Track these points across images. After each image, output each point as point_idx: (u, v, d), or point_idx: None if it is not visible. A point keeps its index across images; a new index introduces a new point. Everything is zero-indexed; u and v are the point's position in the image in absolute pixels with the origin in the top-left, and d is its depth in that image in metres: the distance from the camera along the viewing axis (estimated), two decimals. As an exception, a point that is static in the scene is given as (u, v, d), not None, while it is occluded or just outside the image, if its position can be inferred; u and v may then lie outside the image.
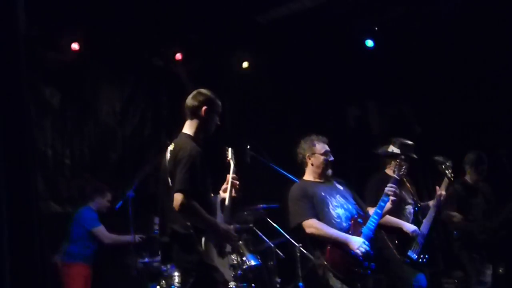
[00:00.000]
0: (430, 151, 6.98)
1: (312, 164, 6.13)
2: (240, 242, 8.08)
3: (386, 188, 6.07)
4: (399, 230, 6.67)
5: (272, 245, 8.19)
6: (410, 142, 6.99)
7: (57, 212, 8.76)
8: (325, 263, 5.75)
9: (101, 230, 8.14)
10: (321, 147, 6.15)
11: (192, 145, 5.15)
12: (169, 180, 5.12)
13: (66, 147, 9.00)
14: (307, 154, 6.15)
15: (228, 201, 5.38)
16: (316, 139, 6.20)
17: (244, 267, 7.85)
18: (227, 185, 5.51)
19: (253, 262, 7.95)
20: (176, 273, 7.09)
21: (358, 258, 5.69)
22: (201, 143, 5.28)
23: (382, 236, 6.66)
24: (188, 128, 5.32)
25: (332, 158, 6.15)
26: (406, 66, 10.46)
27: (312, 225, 5.79)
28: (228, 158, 5.70)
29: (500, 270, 9.09)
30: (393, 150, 6.88)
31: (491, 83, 9.88)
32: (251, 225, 8.31)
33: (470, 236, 7.53)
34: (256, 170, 8.47)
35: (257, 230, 8.31)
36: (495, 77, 9.78)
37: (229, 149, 5.78)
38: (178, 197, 4.87)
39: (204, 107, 5.30)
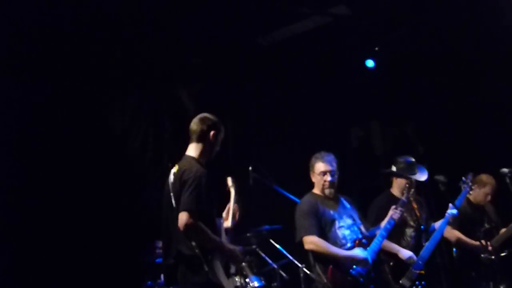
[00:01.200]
0: (433, 171, 6.94)
1: (314, 182, 6.14)
2: (244, 264, 8.05)
3: (392, 212, 6.06)
4: (395, 256, 6.62)
5: (276, 267, 8.16)
6: (412, 160, 6.96)
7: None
8: (325, 281, 5.73)
9: None
10: (319, 166, 6.17)
11: (197, 166, 5.22)
12: (173, 202, 5.14)
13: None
14: (311, 171, 6.17)
15: (231, 225, 5.39)
16: (317, 157, 6.22)
17: (248, 288, 7.83)
18: (227, 214, 5.52)
19: (256, 284, 7.91)
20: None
21: (359, 280, 5.68)
22: (204, 166, 5.28)
23: (381, 259, 6.63)
24: (193, 151, 5.39)
25: (330, 179, 6.13)
26: (408, 86, 10.47)
27: (312, 242, 5.80)
28: (228, 186, 5.70)
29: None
30: (392, 169, 6.88)
31: (494, 103, 9.87)
32: (254, 246, 8.28)
33: (471, 255, 7.49)
34: (259, 192, 8.45)
35: (260, 252, 8.28)
36: (498, 96, 9.77)
37: (229, 178, 5.78)
38: (183, 217, 4.91)
39: (213, 132, 5.39)
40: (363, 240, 5.98)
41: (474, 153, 10.18)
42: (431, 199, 7.56)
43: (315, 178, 6.18)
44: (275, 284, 8.23)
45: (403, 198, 6.25)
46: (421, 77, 10.20)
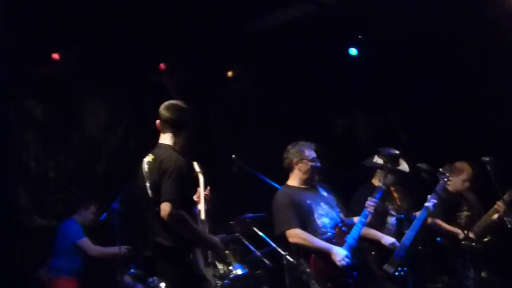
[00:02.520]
0: (416, 159, 6.97)
1: (299, 170, 6.12)
2: (227, 251, 8.06)
3: (367, 203, 6.08)
4: (378, 243, 6.65)
5: (259, 254, 8.18)
6: (396, 152, 6.96)
7: (41, 226, 8.70)
8: (309, 270, 5.75)
9: (86, 242, 8.09)
10: (309, 153, 6.17)
11: (176, 155, 5.12)
12: (150, 192, 5.06)
13: (50, 160, 8.95)
14: (295, 160, 6.15)
15: (204, 214, 5.32)
16: (304, 145, 6.21)
17: (231, 276, 7.84)
18: (198, 199, 5.43)
19: (240, 272, 7.93)
20: (162, 285, 7.04)
21: (341, 268, 5.69)
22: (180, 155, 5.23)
23: (365, 248, 6.65)
24: (168, 139, 5.26)
25: (319, 165, 6.16)
26: (392, 75, 10.48)
27: (296, 235, 5.80)
28: (196, 172, 5.58)
29: (483, 274, 9.11)
30: (377, 161, 6.87)
31: (477, 91, 9.90)
32: (237, 234, 8.30)
33: (454, 242, 7.53)
34: (242, 180, 8.46)
35: (244, 240, 8.29)
36: (482, 85, 9.81)
37: (195, 163, 5.65)
38: (166, 207, 4.82)
39: (185, 119, 5.28)
40: (343, 228, 5.99)
41: (457, 141, 10.22)
42: (414, 188, 7.62)
43: (304, 166, 6.15)
44: (259, 272, 8.24)
45: (381, 184, 6.26)
46: (405, 65, 10.21)
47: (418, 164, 6.70)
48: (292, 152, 6.23)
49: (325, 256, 5.73)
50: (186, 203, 4.99)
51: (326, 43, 10.04)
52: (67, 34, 8.71)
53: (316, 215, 5.96)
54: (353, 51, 10.25)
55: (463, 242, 7.14)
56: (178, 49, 9.92)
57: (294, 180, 6.21)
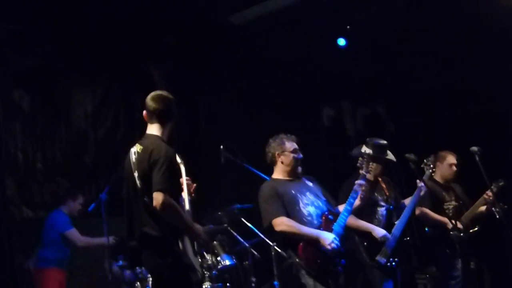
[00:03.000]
0: (404, 149, 6.98)
1: (282, 162, 6.15)
2: (215, 242, 8.07)
3: (356, 182, 6.09)
4: (369, 235, 6.66)
5: (247, 245, 8.18)
6: (383, 142, 6.97)
7: (29, 217, 8.70)
8: (297, 260, 5.76)
9: (73, 233, 8.08)
10: (290, 145, 6.18)
11: (166, 145, 5.13)
12: (138, 182, 5.07)
13: (37, 150, 8.93)
14: (277, 152, 6.16)
15: (188, 204, 5.32)
16: (285, 137, 6.22)
17: (219, 267, 7.85)
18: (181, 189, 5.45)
19: (228, 262, 7.94)
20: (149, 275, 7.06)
21: (329, 255, 5.71)
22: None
23: (354, 238, 6.67)
24: (156, 130, 5.26)
25: (301, 156, 6.17)
26: (380, 65, 10.49)
27: (282, 223, 5.81)
28: (177, 164, 5.57)
29: (471, 265, 9.16)
30: (365, 151, 6.87)
31: (464, 82, 9.93)
32: (225, 225, 8.30)
33: (442, 233, 7.56)
34: (230, 171, 8.47)
35: (232, 231, 8.30)
36: (469, 75, 9.83)
37: (176, 154, 5.66)
38: (158, 197, 4.83)
39: (173, 110, 5.30)
40: (329, 216, 6.00)
41: (444, 132, 10.26)
42: (401, 178, 7.63)
43: (286, 158, 6.16)
44: (247, 262, 8.26)
45: (363, 171, 6.27)
46: (393, 56, 10.23)
47: (406, 155, 6.70)
48: (273, 145, 6.24)
49: (313, 243, 5.74)
50: (175, 193, 5.01)
51: (314, 33, 10.03)
52: (54, 25, 8.68)
53: (301, 205, 5.98)
54: (341, 42, 10.23)
55: (451, 232, 7.17)
56: (166, 40, 9.90)
57: (278, 173, 6.22)
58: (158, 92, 5.40)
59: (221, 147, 7.99)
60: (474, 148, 6.96)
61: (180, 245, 4.98)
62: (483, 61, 9.38)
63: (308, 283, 5.76)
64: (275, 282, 7.64)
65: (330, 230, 5.88)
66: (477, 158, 6.93)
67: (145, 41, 9.68)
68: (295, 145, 6.19)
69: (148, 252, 5.05)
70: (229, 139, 8.25)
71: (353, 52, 10.34)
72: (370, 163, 6.36)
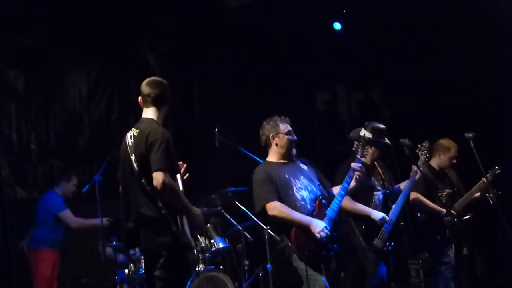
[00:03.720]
0: (398, 135, 6.99)
1: (276, 144, 6.12)
2: (209, 225, 8.09)
3: (352, 164, 6.09)
4: (367, 218, 6.67)
5: (241, 228, 8.20)
6: (382, 127, 6.97)
7: (23, 197, 8.69)
8: (290, 244, 5.78)
9: (67, 214, 8.08)
10: (284, 127, 6.16)
11: (161, 128, 5.22)
12: (135, 165, 5.16)
13: (31, 131, 8.92)
14: (271, 135, 6.14)
15: (181, 185, 5.40)
16: (279, 119, 6.21)
17: (213, 250, 7.88)
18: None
19: (221, 245, 7.97)
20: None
21: (321, 241, 5.72)
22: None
23: (349, 222, 6.68)
24: (151, 113, 5.37)
25: (295, 138, 6.17)
26: (375, 50, 10.49)
27: (275, 208, 5.80)
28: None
29: (464, 251, 9.19)
30: (364, 134, 6.87)
31: (460, 67, 9.95)
32: (219, 208, 8.32)
33: (434, 219, 7.58)
34: (225, 154, 8.49)
35: (225, 213, 8.32)
36: (464, 61, 9.85)
37: None
38: (159, 176, 4.91)
39: (167, 95, 5.39)
40: (323, 201, 6.00)
41: (439, 118, 10.28)
42: (395, 162, 7.63)
43: (281, 140, 6.15)
44: (240, 245, 8.28)
45: (358, 155, 6.27)
46: (388, 41, 10.23)
47: (400, 140, 6.70)
48: (267, 128, 6.22)
49: (305, 229, 5.75)
50: (174, 174, 5.10)
51: (309, 17, 10.01)
52: (49, 6, 8.65)
53: (295, 189, 5.96)
54: (337, 26, 10.22)
55: (444, 218, 7.18)
56: (161, 23, 9.87)
57: (272, 156, 6.20)
58: (153, 77, 5.51)
59: (216, 130, 7.99)
60: (469, 134, 6.96)
61: (179, 224, 5.04)
62: (478, 47, 9.40)
63: (299, 266, 5.77)
64: (268, 265, 7.68)
65: (323, 214, 5.88)
66: (471, 144, 6.93)
67: (140, 23, 9.66)
68: (289, 127, 6.18)
69: (145, 233, 5.12)
70: (224, 122, 8.26)
71: (348, 37, 10.34)
72: (366, 147, 6.36)
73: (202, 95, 10.52)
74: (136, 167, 5.15)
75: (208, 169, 9.79)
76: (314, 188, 6.05)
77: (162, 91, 5.37)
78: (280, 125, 6.17)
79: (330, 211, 5.91)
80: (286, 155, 6.15)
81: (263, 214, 5.95)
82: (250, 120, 10.00)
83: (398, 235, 6.98)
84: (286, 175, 6.00)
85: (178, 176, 5.31)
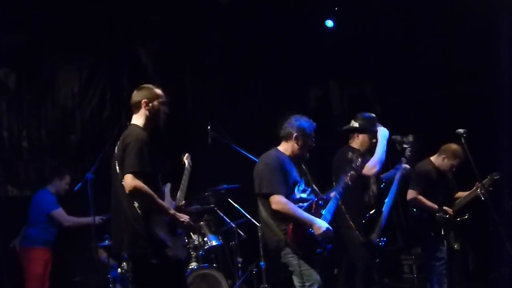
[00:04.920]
0: (391, 131, 6.99)
1: (296, 144, 6.11)
2: (202, 222, 8.09)
3: (344, 179, 6.11)
4: (365, 212, 6.72)
5: (234, 226, 8.21)
6: (372, 115, 7.00)
7: (15, 196, 8.65)
8: (283, 237, 5.77)
9: (60, 213, 8.06)
10: (310, 132, 6.16)
11: (139, 131, 5.30)
12: (117, 168, 5.25)
13: (23, 129, 8.87)
14: (296, 134, 6.11)
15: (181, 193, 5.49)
16: (309, 122, 6.20)
17: (206, 247, 7.88)
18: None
19: (214, 243, 7.97)
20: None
21: (317, 239, 5.73)
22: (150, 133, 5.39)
23: (345, 217, 6.67)
24: (136, 119, 5.48)
25: (314, 145, 6.18)
26: (367, 46, 10.49)
27: (280, 202, 5.78)
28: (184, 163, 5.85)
29: (456, 246, 9.21)
30: (353, 125, 6.92)
31: (451, 63, 9.95)
32: (212, 205, 8.31)
33: (428, 215, 7.58)
34: (218, 151, 8.47)
35: (218, 211, 8.32)
36: (456, 56, 9.86)
37: (187, 154, 5.93)
38: (127, 179, 5.01)
39: (145, 101, 5.45)
40: (320, 202, 6.02)
41: (431, 113, 10.30)
42: (388, 159, 7.60)
43: (304, 143, 6.13)
44: (233, 243, 8.29)
45: (354, 165, 6.28)
46: (380, 37, 10.23)
47: (393, 136, 6.71)
48: (295, 125, 6.18)
49: (305, 226, 5.76)
50: (149, 178, 5.11)
51: (302, 14, 10.01)
52: (41, 2, 8.62)
53: (299, 189, 5.99)
54: (329, 23, 10.22)
55: (437, 214, 7.19)
56: (153, 19, 9.85)
57: (286, 149, 6.17)
58: (142, 85, 5.64)
59: (208, 127, 7.98)
60: (460, 130, 6.95)
61: (151, 221, 5.09)
62: (470, 42, 9.40)
63: (291, 262, 5.78)
64: (262, 263, 7.68)
65: (319, 215, 5.90)
66: (463, 140, 6.92)
67: (132, 20, 9.63)
68: (313, 134, 6.19)
69: (127, 234, 5.12)
70: (216, 119, 8.25)
71: (340, 33, 10.34)
72: (360, 162, 6.39)
73: (195, 91, 10.50)
74: (118, 170, 5.23)
75: (201, 166, 9.77)
76: (310, 191, 6.09)
77: (138, 98, 5.47)
78: (308, 129, 6.16)
79: (326, 212, 5.93)
80: (299, 157, 6.16)
81: (263, 198, 5.91)
82: (243, 116, 10.08)
83: (391, 231, 7.00)
84: (295, 174, 6.02)
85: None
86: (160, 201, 5.19)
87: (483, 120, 9.28)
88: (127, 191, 4.99)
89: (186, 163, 6.23)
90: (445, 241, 7.52)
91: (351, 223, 6.63)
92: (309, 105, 11.73)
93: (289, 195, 5.88)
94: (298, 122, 6.19)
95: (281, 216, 5.84)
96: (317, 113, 11.39)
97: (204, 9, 9.77)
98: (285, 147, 6.18)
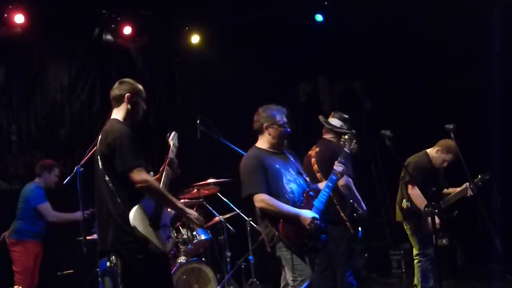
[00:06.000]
0: (380, 126, 7.00)
1: (269, 134, 6.08)
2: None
3: (336, 166, 6.11)
4: (353, 207, 6.78)
5: (223, 220, 8.21)
6: (348, 116, 7.09)
7: (4, 189, 8.66)
8: (277, 233, 5.76)
9: (46, 207, 8.03)
10: (280, 118, 6.10)
11: (120, 126, 5.24)
12: (100, 163, 5.20)
13: (12, 123, 8.88)
14: (266, 124, 6.08)
15: (164, 179, 5.44)
16: (276, 109, 6.14)
17: (195, 241, 7.88)
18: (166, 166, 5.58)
19: (203, 237, 7.98)
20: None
21: (310, 231, 5.71)
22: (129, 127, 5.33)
23: (337, 210, 6.69)
24: (116, 114, 5.42)
25: (289, 130, 6.14)
26: (357, 42, 10.51)
27: (263, 200, 5.76)
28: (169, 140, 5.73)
29: (444, 241, 9.25)
30: (336, 124, 6.99)
31: (441, 58, 9.99)
32: (201, 199, 8.31)
33: (416, 212, 7.60)
34: (207, 145, 8.47)
35: (207, 205, 8.31)
36: (446, 53, 9.89)
37: (173, 133, 5.82)
38: (134, 176, 4.99)
39: (128, 95, 5.38)
40: (310, 192, 6.00)
41: (420, 108, 10.33)
42: (377, 154, 7.69)
43: (275, 130, 6.11)
44: (222, 237, 8.29)
45: (346, 149, 6.28)
46: (370, 33, 10.25)
47: (382, 131, 6.71)
48: (263, 115, 6.16)
49: (293, 220, 5.74)
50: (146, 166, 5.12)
51: (291, 9, 10.01)
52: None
53: (284, 180, 5.93)
54: (319, 18, 10.23)
55: (425, 209, 7.19)
56: (143, 13, 9.84)
57: (263, 143, 6.14)
58: (123, 79, 5.57)
59: (198, 121, 7.98)
60: (450, 126, 6.95)
61: (132, 217, 5.03)
62: (461, 38, 9.43)
63: (284, 256, 5.76)
64: (251, 257, 7.69)
65: (311, 205, 5.86)
66: (452, 136, 6.93)
67: (122, 14, 9.62)
68: (285, 119, 6.13)
69: (112, 230, 5.12)
70: (206, 113, 8.24)
71: (330, 28, 10.35)
72: (354, 140, 6.41)
73: (184, 86, 10.51)
74: (100, 165, 5.20)
75: (190, 160, 9.78)
76: (302, 181, 6.04)
77: (119, 92, 5.42)
78: (277, 115, 6.10)
79: (317, 203, 5.90)
80: (277, 146, 6.10)
81: (248, 201, 5.91)
82: (232, 111, 10.08)
83: (379, 226, 7.04)
84: (277, 166, 5.96)
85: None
86: (169, 194, 5.20)
87: (474, 117, 9.32)
88: (137, 186, 4.97)
89: (171, 144, 5.90)
90: (433, 236, 7.55)
91: (344, 217, 6.67)
92: (298, 101, 11.74)
93: (275, 189, 5.86)
94: (265, 112, 6.15)
95: (268, 213, 5.84)
96: (306, 109, 11.44)
97: (194, 4, 9.77)
98: (262, 142, 6.15)
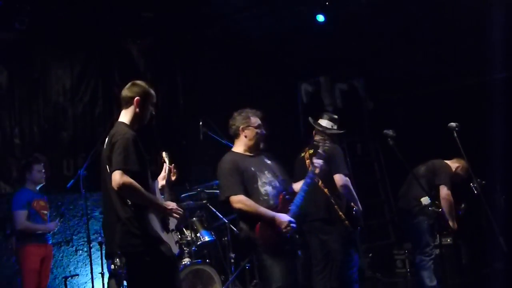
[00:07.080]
0: (382, 126, 7.00)
1: (245, 136, 6.11)
2: (194, 218, 8.10)
3: (315, 161, 6.13)
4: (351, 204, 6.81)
5: (226, 221, 8.21)
6: (336, 116, 7.12)
7: (7, 192, 8.66)
8: (253, 236, 5.79)
9: (19, 215, 7.85)
10: (254, 120, 6.14)
11: (126, 129, 5.22)
12: (107, 167, 5.18)
13: (15, 126, 8.89)
14: (241, 127, 6.12)
15: (166, 185, 5.51)
16: (250, 112, 6.19)
17: (199, 243, 7.89)
18: (165, 173, 5.63)
19: (207, 238, 7.99)
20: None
21: (286, 235, 5.72)
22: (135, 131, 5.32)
23: (334, 209, 6.70)
24: (124, 116, 5.38)
25: (264, 132, 6.16)
26: (359, 41, 10.50)
27: (240, 201, 5.79)
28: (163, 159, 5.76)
29: (449, 240, 9.24)
30: (326, 125, 7.04)
31: (443, 57, 9.98)
32: (204, 201, 8.32)
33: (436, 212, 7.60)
34: (209, 147, 8.48)
35: (210, 207, 8.32)
36: (447, 51, 9.88)
37: (164, 153, 5.83)
38: (115, 176, 4.95)
39: (137, 98, 5.33)
40: (286, 196, 6.00)
41: (422, 108, 10.32)
42: (380, 153, 7.68)
43: (251, 132, 6.14)
44: (226, 238, 8.29)
45: (320, 151, 6.30)
46: (372, 32, 10.24)
47: (385, 131, 6.71)
48: (238, 119, 6.21)
49: (270, 223, 5.75)
50: (136, 174, 5.05)
51: (292, 9, 10.01)
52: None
53: (259, 183, 5.96)
54: (320, 18, 10.22)
55: (429, 208, 7.20)
56: (144, 16, 9.85)
57: (239, 147, 6.19)
58: (134, 81, 5.50)
59: (200, 123, 7.98)
60: (452, 124, 6.95)
61: (145, 219, 5.05)
62: (462, 38, 9.43)
63: (266, 261, 5.79)
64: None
65: (287, 210, 5.87)
66: (455, 134, 6.93)
67: (124, 16, 9.62)
68: (259, 121, 6.16)
69: (120, 233, 5.12)
70: (208, 115, 8.25)
71: (332, 28, 10.34)
72: (327, 142, 6.43)
73: (186, 88, 10.51)
74: (107, 169, 5.17)
75: (193, 162, 9.79)
76: (278, 184, 6.04)
77: (129, 94, 5.36)
78: (251, 118, 6.15)
79: (293, 206, 5.91)
80: (253, 148, 6.12)
81: (227, 204, 5.94)
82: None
83: (383, 226, 7.05)
84: (253, 168, 5.98)
85: (162, 180, 5.40)
86: (150, 194, 5.14)
87: (477, 115, 9.32)
88: (115, 188, 4.95)
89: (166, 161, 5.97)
90: (437, 235, 7.55)
91: (342, 215, 6.69)
92: (300, 101, 11.75)
93: (250, 192, 5.87)
94: (240, 115, 6.19)
95: (245, 215, 5.86)
96: (308, 109, 11.43)
97: (195, 6, 9.78)
98: (238, 146, 6.19)
